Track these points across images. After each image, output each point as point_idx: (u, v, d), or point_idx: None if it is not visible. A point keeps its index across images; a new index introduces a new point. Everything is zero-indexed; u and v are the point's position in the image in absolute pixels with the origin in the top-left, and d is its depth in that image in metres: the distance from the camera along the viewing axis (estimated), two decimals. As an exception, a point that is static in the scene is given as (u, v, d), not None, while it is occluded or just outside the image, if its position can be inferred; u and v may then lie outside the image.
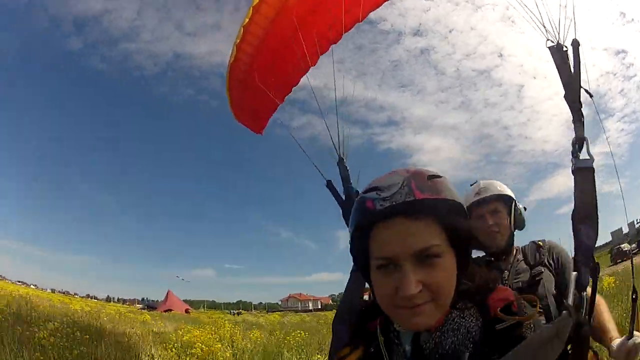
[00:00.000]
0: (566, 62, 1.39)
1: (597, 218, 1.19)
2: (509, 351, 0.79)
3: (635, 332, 1.38)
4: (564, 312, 0.96)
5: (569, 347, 0.94)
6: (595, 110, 1.46)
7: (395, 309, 0.83)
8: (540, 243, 2.02)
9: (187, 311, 39.62)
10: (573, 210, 1.21)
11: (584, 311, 1.06)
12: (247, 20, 2.41)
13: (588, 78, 1.36)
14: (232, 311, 53.24)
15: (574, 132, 1.31)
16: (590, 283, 1.12)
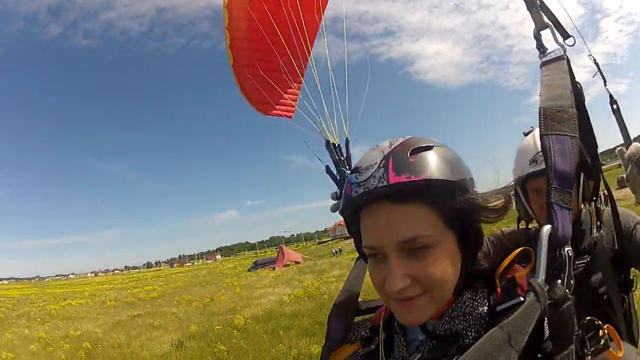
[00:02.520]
0: None
1: (575, 121, 0.75)
2: None
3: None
4: (529, 295, 0.62)
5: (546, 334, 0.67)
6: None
7: (388, 299, 0.76)
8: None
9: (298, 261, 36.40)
10: (539, 120, 0.78)
11: (565, 278, 0.67)
12: (226, 21, 2.30)
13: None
14: (333, 250, 47.89)
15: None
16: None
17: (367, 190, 0.71)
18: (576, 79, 0.88)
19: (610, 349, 0.72)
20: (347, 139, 2.15)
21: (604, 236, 1.09)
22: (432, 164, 0.70)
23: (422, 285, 0.72)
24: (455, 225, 0.74)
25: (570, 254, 0.69)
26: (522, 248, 0.76)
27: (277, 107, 3.07)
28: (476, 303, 0.76)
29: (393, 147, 0.73)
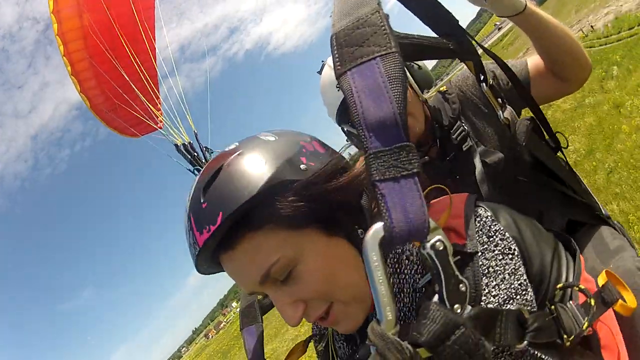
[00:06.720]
0: None
1: (384, 27, 0.46)
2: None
3: None
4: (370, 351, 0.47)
5: None
6: None
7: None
8: (444, 88, 1.31)
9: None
10: (332, 55, 0.52)
11: (443, 291, 0.46)
12: (69, 68, 2.62)
13: None
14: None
15: None
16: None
17: (195, 263, 0.63)
18: None
19: (620, 301, 0.56)
20: (195, 133, 1.91)
21: (511, 111, 0.99)
22: (221, 195, 0.57)
23: (323, 299, 0.62)
24: (307, 223, 0.60)
25: (441, 247, 0.45)
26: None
27: (143, 126, 3.49)
28: (403, 276, 0.63)
29: (190, 198, 0.61)
